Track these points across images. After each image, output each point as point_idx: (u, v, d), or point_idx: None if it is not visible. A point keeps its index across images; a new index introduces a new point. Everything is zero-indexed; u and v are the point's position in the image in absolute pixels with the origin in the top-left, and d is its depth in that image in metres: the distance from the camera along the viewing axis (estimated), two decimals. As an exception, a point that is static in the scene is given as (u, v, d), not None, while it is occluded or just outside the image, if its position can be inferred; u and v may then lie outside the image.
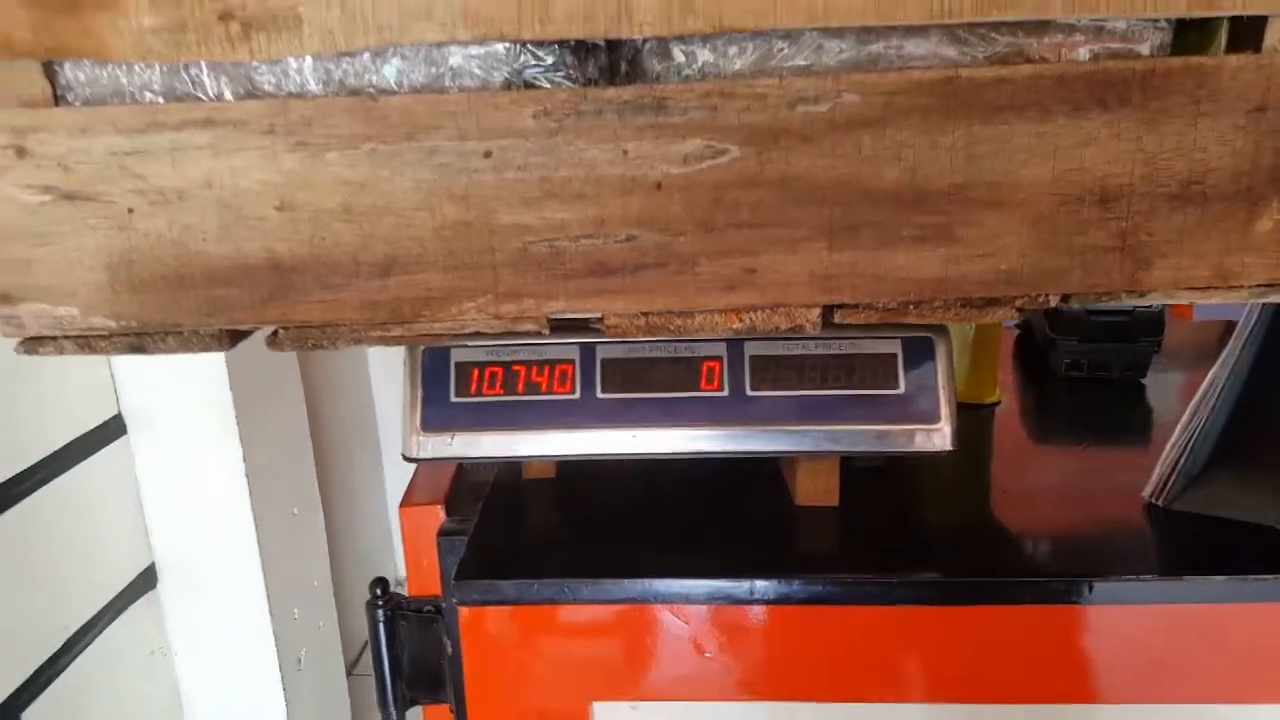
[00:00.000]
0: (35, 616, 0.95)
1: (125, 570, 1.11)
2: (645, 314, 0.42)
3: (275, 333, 0.42)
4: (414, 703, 0.58)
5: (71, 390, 0.99)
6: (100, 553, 1.06)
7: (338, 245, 0.41)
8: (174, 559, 1.16)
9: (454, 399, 0.51)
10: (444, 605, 0.54)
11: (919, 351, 0.50)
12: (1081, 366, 0.71)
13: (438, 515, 0.55)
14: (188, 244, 0.40)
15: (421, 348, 0.51)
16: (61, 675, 0.98)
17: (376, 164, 0.39)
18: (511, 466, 0.60)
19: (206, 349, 0.42)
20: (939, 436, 0.50)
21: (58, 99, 0.39)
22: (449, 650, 0.54)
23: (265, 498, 1.15)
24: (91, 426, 1.03)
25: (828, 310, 0.42)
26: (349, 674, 1.43)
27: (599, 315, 0.42)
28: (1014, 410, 0.70)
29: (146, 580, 1.15)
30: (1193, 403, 0.51)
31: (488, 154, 0.40)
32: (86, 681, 1.01)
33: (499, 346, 0.51)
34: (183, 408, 1.08)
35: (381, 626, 0.55)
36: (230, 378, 1.08)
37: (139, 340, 0.42)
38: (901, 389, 0.50)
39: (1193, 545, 0.51)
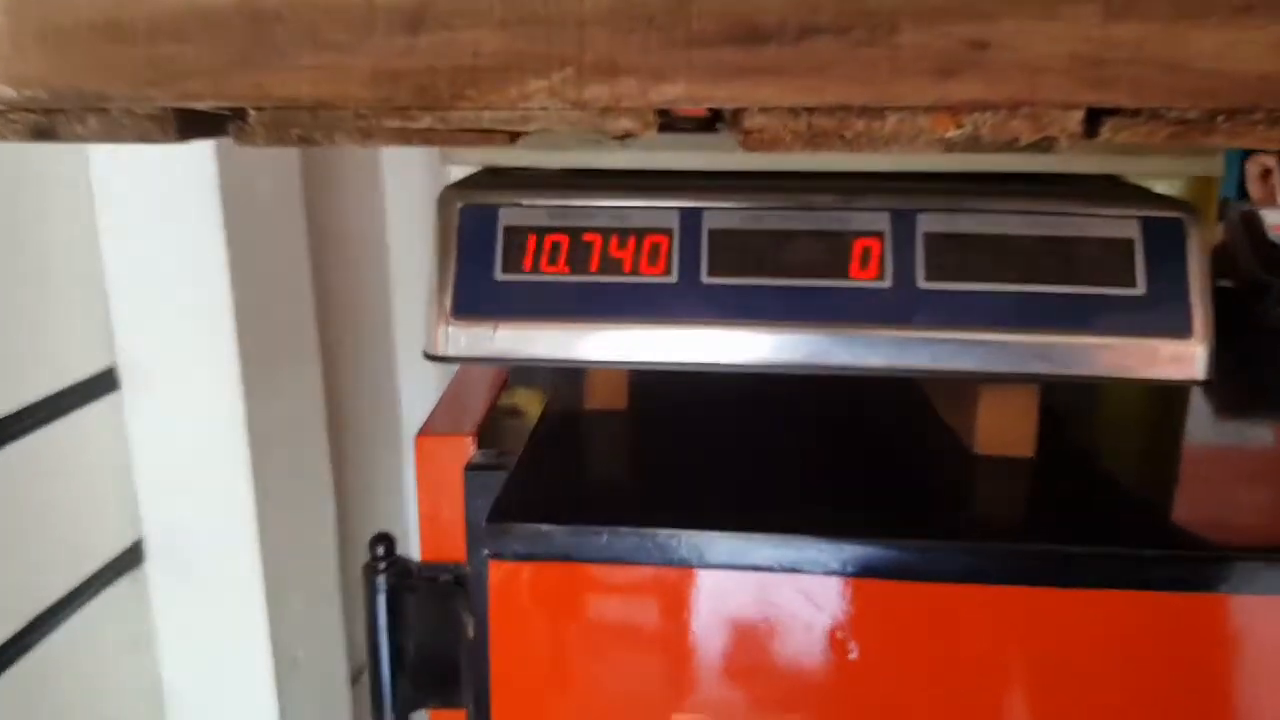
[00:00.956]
0: (1, 589, 0.83)
1: (109, 544, 1.00)
2: (810, 110, 0.27)
3: (244, 116, 0.28)
4: (419, 705, 0.43)
5: (61, 335, 0.88)
6: (82, 522, 0.95)
7: (344, -23, 0.26)
8: (164, 535, 1.05)
9: (500, 276, 0.37)
10: (466, 572, 0.40)
11: (1166, 238, 0.35)
12: (1299, 316, 0.56)
13: (466, 449, 0.41)
14: (122, -31, 0.27)
15: (459, 204, 0.37)
16: (27, 655, 0.87)
17: None
18: (568, 393, 0.46)
19: (144, 138, 0.28)
20: (1191, 359, 0.35)
21: None
22: (470, 633, 0.39)
23: (269, 474, 1.04)
24: (80, 378, 0.92)
25: (1093, 117, 0.27)
26: (353, 684, 1.29)
27: (738, 108, 0.28)
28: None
29: (132, 557, 1.03)
30: None
31: None
32: (56, 665, 0.90)
33: (565, 207, 0.37)
34: (184, 365, 0.97)
35: (382, 599, 0.40)
36: (239, 333, 0.96)
37: (48, 119, 0.28)
38: (1141, 288, 0.35)
39: None
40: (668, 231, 0.37)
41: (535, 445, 0.42)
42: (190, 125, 0.29)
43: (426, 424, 0.42)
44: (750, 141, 0.28)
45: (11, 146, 0.35)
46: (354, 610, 1.27)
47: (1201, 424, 0.47)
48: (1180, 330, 0.35)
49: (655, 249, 0.36)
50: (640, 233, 0.37)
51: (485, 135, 0.28)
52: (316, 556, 1.18)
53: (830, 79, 0.27)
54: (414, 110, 0.28)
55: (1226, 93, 0.27)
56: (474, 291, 0.37)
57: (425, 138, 0.29)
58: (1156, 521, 0.38)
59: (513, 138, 0.29)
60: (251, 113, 0.28)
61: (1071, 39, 0.26)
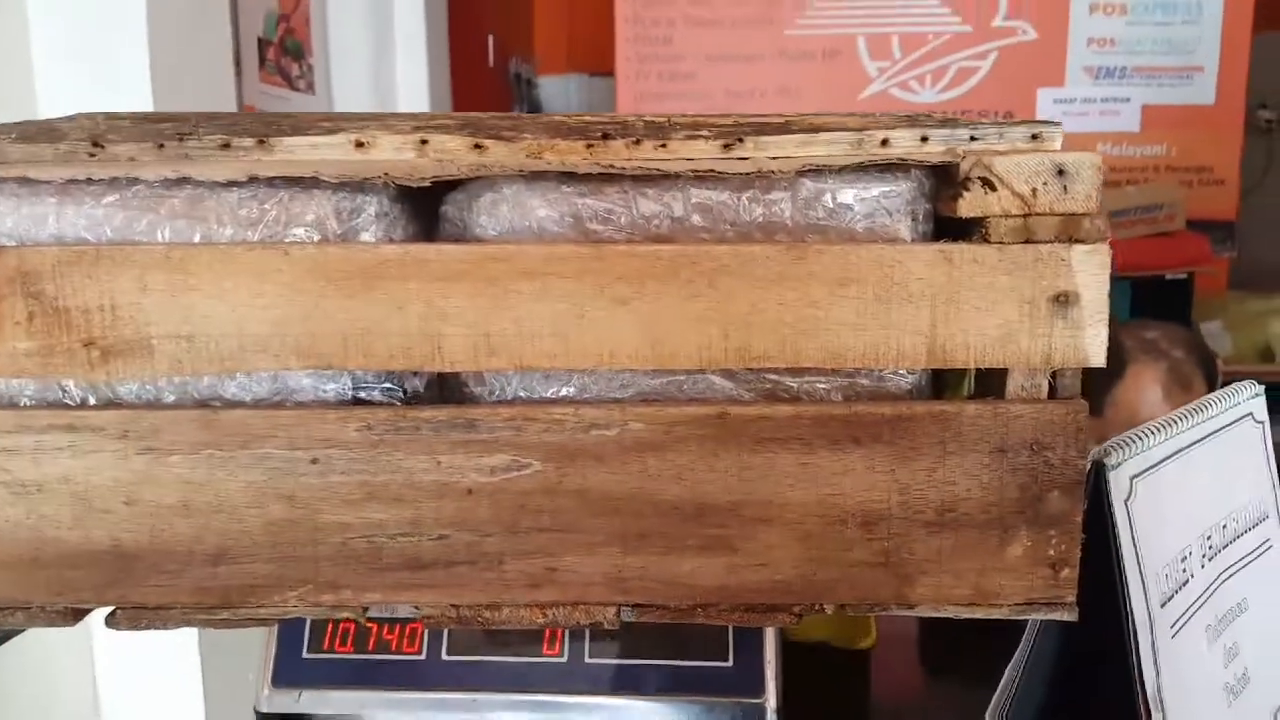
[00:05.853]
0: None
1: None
2: (456, 606, 0.46)
3: (113, 612, 0.46)
4: None
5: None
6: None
7: (175, 536, 0.45)
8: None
9: (306, 654, 0.54)
10: None
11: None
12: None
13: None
14: (43, 530, 0.45)
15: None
16: None
17: (213, 467, 0.44)
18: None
19: (51, 624, 0.46)
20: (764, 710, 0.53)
21: (-62, 399, 0.45)
22: None
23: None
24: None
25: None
26: None
27: (413, 607, 0.46)
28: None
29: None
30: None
31: (314, 461, 0.44)
32: None
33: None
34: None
35: None
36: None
37: (-10, 613, 0.46)
38: (730, 662, 0.53)
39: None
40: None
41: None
42: (80, 614, 0.47)
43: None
44: (424, 622, 0.46)
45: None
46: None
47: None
48: (756, 692, 0.53)
49: (413, 634, 0.54)
50: (404, 621, 0.55)
51: (261, 620, 0.47)
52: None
53: (466, 590, 0.45)
54: (217, 609, 0.46)
55: (701, 595, 0.45)
56: (288, 666, 0.54)
57: (224, 624, 0.46)
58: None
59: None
60: (118, 610, 0.46)
61: (604, 566, 0.45)
